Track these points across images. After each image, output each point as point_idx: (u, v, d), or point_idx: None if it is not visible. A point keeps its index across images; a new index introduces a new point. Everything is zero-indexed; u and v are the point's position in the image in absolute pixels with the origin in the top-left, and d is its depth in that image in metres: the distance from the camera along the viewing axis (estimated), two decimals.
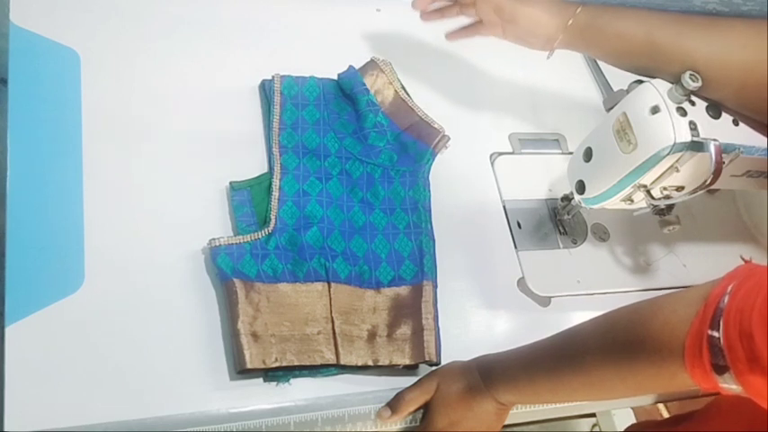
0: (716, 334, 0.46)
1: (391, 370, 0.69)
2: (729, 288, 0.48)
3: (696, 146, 0.62)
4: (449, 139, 0.82)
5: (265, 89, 0.79)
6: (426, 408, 0.66)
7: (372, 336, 0.68)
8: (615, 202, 0.71)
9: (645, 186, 0.68)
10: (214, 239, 0.67)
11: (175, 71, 0.78)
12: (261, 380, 0.65)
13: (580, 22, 0.67)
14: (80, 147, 0.70)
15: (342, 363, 0.66)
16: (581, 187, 0.73)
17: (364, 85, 0.81)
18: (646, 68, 0.66)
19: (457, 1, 0.74)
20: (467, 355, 0.68)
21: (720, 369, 0.46)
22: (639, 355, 0.52)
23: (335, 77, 0.82)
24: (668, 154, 0.63)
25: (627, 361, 0.54)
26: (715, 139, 0.61)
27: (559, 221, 0.83)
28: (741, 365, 0.45)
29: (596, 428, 1.32)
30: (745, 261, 0.54)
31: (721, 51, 0.63)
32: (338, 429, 0.65)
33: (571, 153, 0.85)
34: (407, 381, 0.68)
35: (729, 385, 0.47)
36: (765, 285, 0.46)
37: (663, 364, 0.50)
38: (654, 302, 0.54)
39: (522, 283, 0.78)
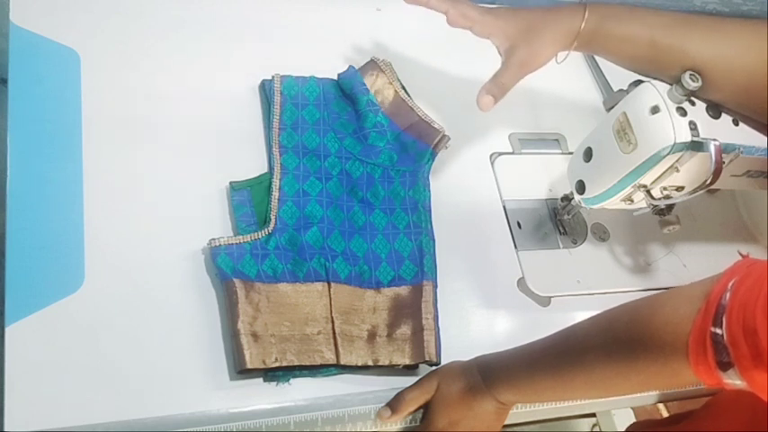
0: (719, 331, 0.47)
1: (391, 370, 0.69)
2: (730, 284, 0.48)
3: (696, 146, 0.62)
4: (449, 139, 0.82)
5: (265, 89, 0.79)
6: (426, 408, 0.66)
7: (372, 336, 0.68)
8: (615, 202, 0.71)
9: (645, 186, 0.68)
10: (214, 239, 0.67)
11: (175, 71, 0.78)
12: (261, 380, 0.65)
13: (587, 30, 0.66)
14: (80, 147, 0.70)
15: (342, 363, 0.66)
16: (581, 187, 0.73)
17: (364, 85, 0.81)
18: (651, 71, 0.66)
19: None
20: (467, 355, 0.68)
21: (725, 365, 0.46)
22: (641, 352, 0.52)
23: (335, 77, 0.82)
24: (668, 154, 0.63)
25: (629, 359, 0.54)
26: (715, 139, 0.61)
27: (559, 221, 0.83)
28: (745, 361, 0.45)
29: (596, 428, 1.32)
30: (743, 256, 0.54)
31: (724, 54, 0.63)
32: (338, 429, 0.65)
33: (571, 153, 0.85)
34: (407, 381, 0.68)
35: (734, 381, 0.47)
36: (767, 280, 0.46)
37: (666, 361, 0.50)
38: (654, 300, 0.54)
39: (522, 283, 0.78)
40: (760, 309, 0.45)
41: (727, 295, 0.47)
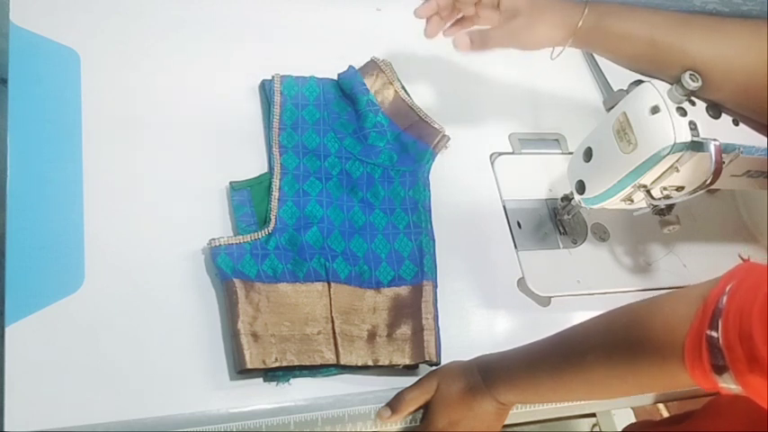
0: (715, 334, 0.46)
1: (391, 370, 0.69)
2: (728, 288, 0.48)
3: (696, 146, 0.62)
4: (449, 139, 0.82)
5: (265, 89, 0.79)
6: (426, 408, 0.66)
7: (372, 336, 0.68)
8: (615, 202, 0.71)
9: (645, 186, 0.68)
10: (214, 239, 0.67)
11: (175, 71, 0.78)
12: (261, 380, 0.65)
13: (585, 25, 0.66)
14: (80, 147, 0.70)
15: (342, 363, 0.66)
16: (581, 187, 0.73)
17: (364, 85, 0.81)
18: (650, 71, 0.66)
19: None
20: (467, 355, 0.68)
21: (720, 369, 0.46)
22: (639, 354, 0.52)
23: (335, 77, 0.82)
24: (668, 154, 0.63)
25: (627, 361, 0.54)
26: (715, 139, 0.61)
27: (559, 221, 0.83)
28: (740, 366, 0.45)
29: (596, 428, 1.32)
30: (744, 260, 0.54)
31: (724, 54, 0.63)
32: (338, 429, 0.65)
33: (571, 153, 0.85)
34: (407, 381, 0.68)
35: (729, 385, 0.47)
36: (764, 285, 0.46)
37: (663, 363, 0.50)
38: (653, 302, 0.54)
39: (522, 283, 0.78)
40: (756, 313, 0.45)
41: (724, 299, 0.47)
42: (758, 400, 0.46)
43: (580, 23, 0.65)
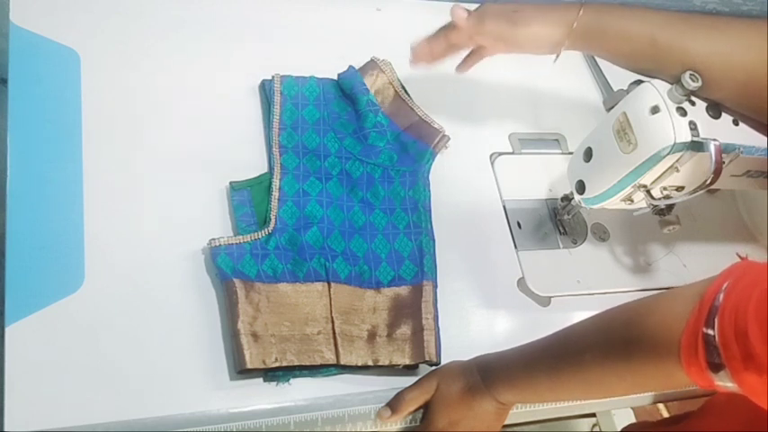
0: (711, 332, 0.46)
1: (391, 370, 0.69)
2: (724, 286, 0.48)
3: (696, 146, 0.62)
4: (449, 139, 0.82)
5: (265, 89, 0.79)
6: (426, 407, 0.67)
7: (372, 336, 0.68)
8: (615, 202, 0.71)
9: (645, 186, 0.68)
10: (214, 239, 0.67)
11: (175, 71, 0.78)
12: (261, 380, 0.65)
13: (583, 24, 0.66)
14: (80, 147, 0.70)
15: (342, 363, 0.66)
16: (581, 187, 0.73)
17: (364, 85, 0.81)
18: (649, 70, 0.66)
19: (452, 45, 0.72)
20: (467, 355, 0.68)
21: (716, 367, 0.46)
22: (636, 353, 0.53)
23: (335, 77, 0.82)
24: (668, 154, 0.63)
25: (624, 359, 0.54)
26: (715, 139, 0.61)
27: (559, 221, 0.83)
28: (736, 363, 0.45)
29: (596, 428, 1.32)
30: (741, 258, 0.54)
31: (724, 53, 0.62)
32: (338, 429, 0.65)
33: (571, 153, 0.85)
34: (407, 381, 0.68)
35: (725, 383, 0.47)
36: (760, 283, 0.46)
37: (659, 362, 0.50)
38: (649, 300, 0.54)
39: (522, 283, 0.78)
40: (752, 311, 0.45)
41: (721, 296, 0.47)
42: (754, 398, 0.46)
43: (576, 22, 0.65)
